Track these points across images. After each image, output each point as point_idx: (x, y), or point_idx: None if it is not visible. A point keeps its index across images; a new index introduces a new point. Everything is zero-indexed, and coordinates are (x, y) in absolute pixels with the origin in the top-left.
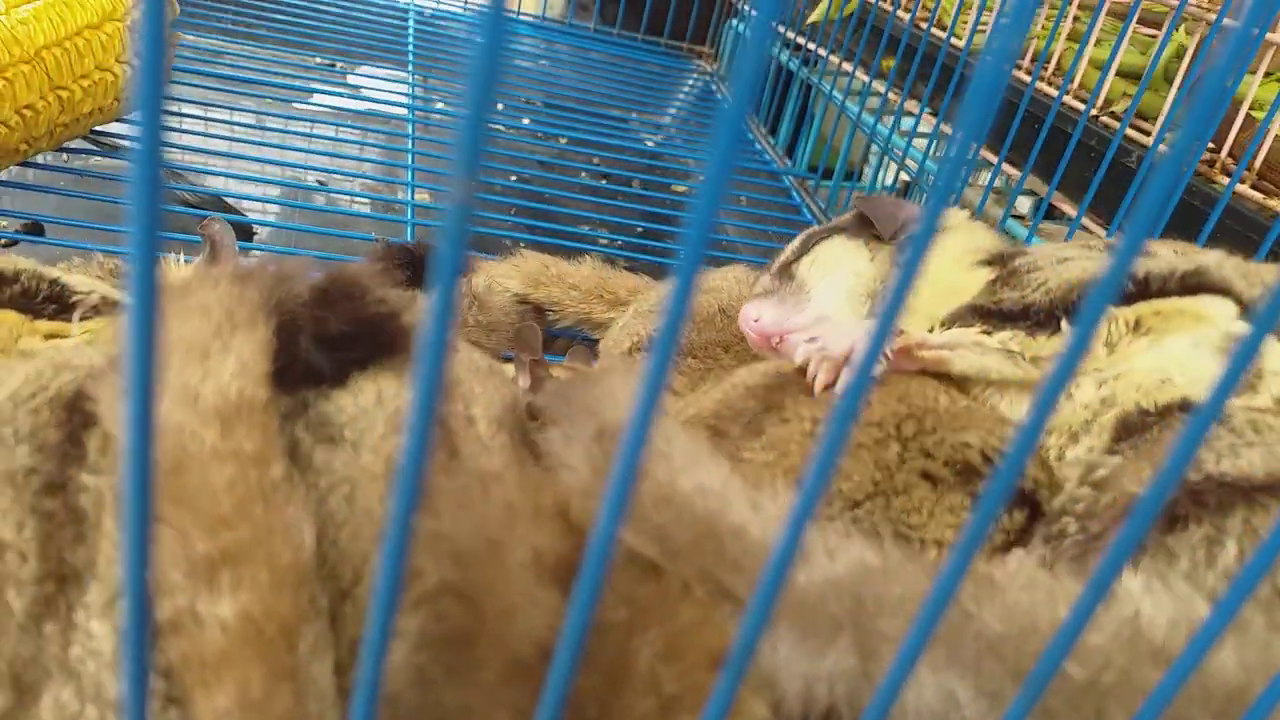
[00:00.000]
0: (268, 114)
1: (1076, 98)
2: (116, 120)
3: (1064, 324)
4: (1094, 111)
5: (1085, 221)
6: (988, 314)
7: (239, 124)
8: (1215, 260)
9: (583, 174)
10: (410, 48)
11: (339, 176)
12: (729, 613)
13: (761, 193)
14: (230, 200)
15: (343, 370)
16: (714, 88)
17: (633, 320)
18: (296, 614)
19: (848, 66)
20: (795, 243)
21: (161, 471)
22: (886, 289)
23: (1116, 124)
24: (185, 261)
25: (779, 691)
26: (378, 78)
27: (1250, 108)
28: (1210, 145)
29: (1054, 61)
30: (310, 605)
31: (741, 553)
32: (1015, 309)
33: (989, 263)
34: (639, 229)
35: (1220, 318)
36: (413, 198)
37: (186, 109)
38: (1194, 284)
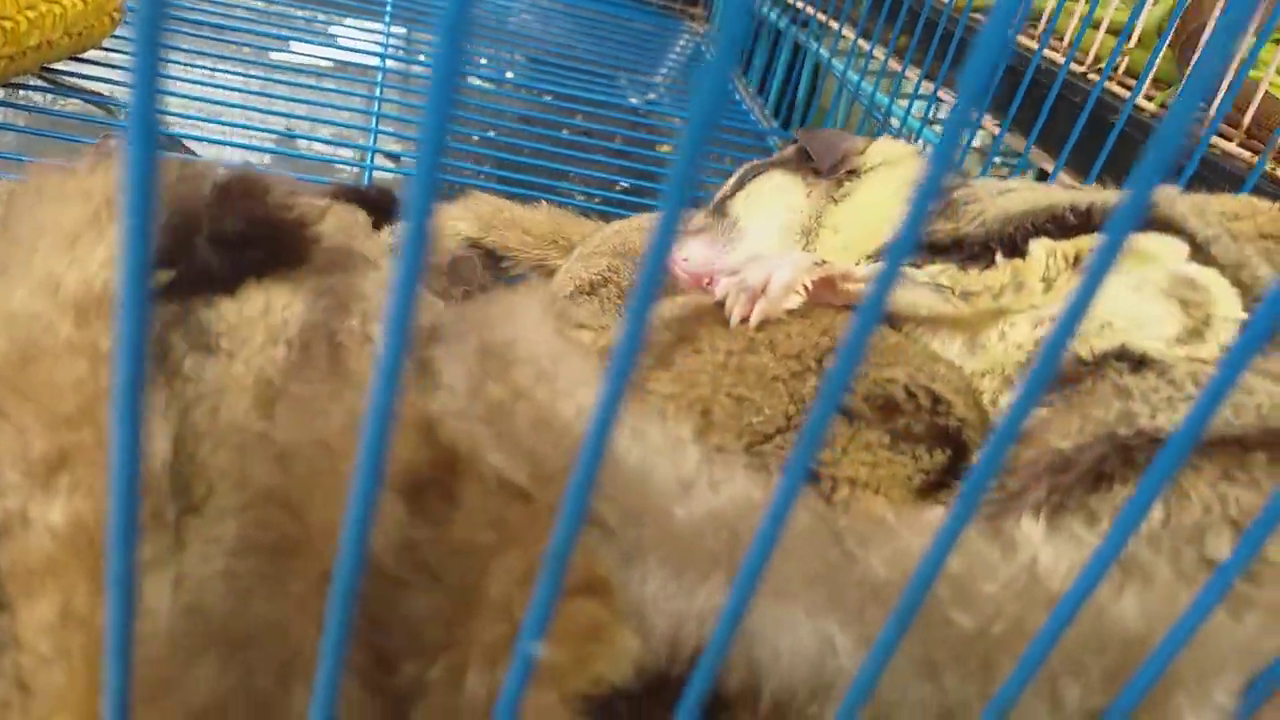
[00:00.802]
0: (231, 59)
1: (1078, 62)
2: (69, 57)
3: (998, 257)
4: (1083, 69)
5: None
6: (918, 246)
7: (201, 67)
8: (1168, 196)
9: (565, 130)
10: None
11: (304, 123)
12: (598, 541)
13: (746, 153)
14: (188, 143)
15: (237, 275)
16: (704, 49)
17: (576, 263)
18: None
19: (847, 32)
20: (733, 178)
21: (9, 362)
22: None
23: (1114, 85)
24: None
25: (647, 627)
26: (357, 29)
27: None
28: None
29: (1043, 19)
30: (152, 518)
31: (615, 480)
32: (947, 241)
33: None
34: (620, 185)
35: (1169, 257)
36: (374, 143)
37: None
38: (1143, 219)
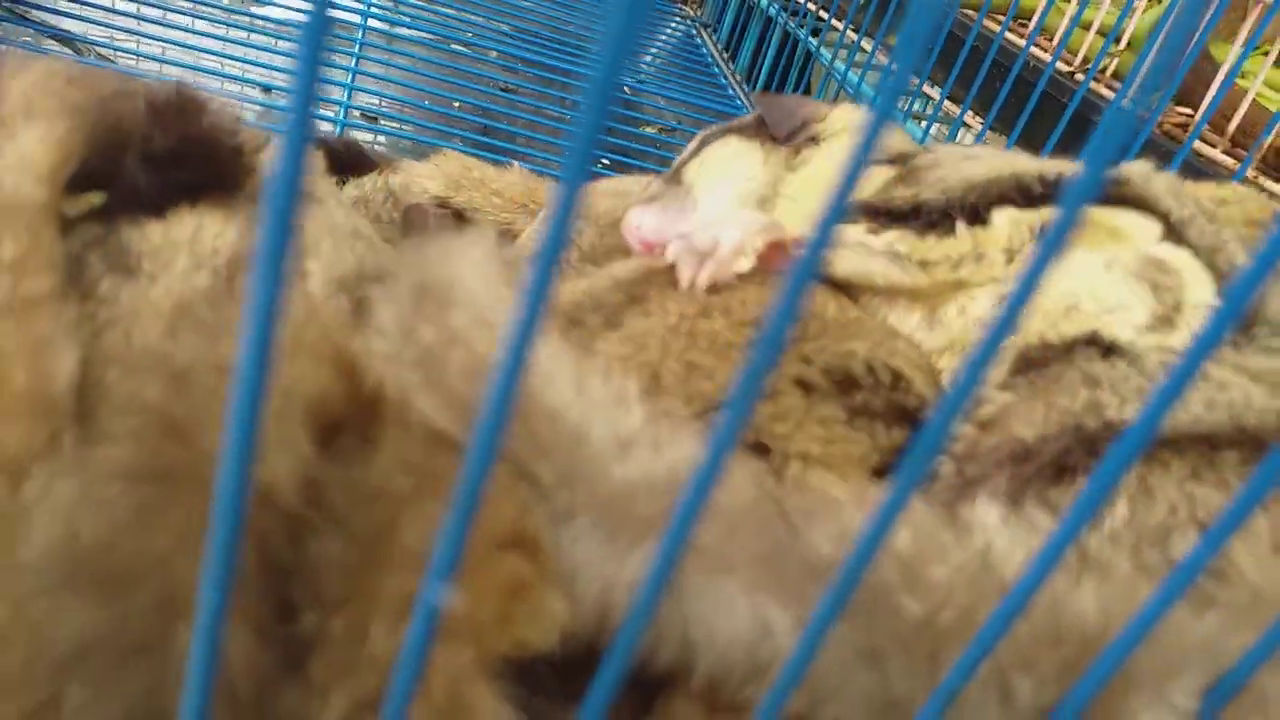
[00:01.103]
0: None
1: (1065, 62)
2: None
3: (959, 225)
4: (1070, 69)
5: None
6: (876, 212)
7: (178, 11)
8: (1142, 173)
9: (548, 100)
10: None
11: (284, 79)
12: (528, 497)
13: None
14: None
15: (168, 196)
16: (695, 33)
17: (539, 225)
18: (26, 448)
19: (837, 23)
20: (692, 144)
21: None
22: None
23: (1101, 87)
24: None
25: (576, 593)
26: None
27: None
28: (1186, 111)
29: None
30: (49, 442)
31: (552, 436)
32: (906, 207)
33: (890, 162)
34: (603, 161)
35: (1140, 236)
36: (348, 99)
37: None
38: (1114, 195)
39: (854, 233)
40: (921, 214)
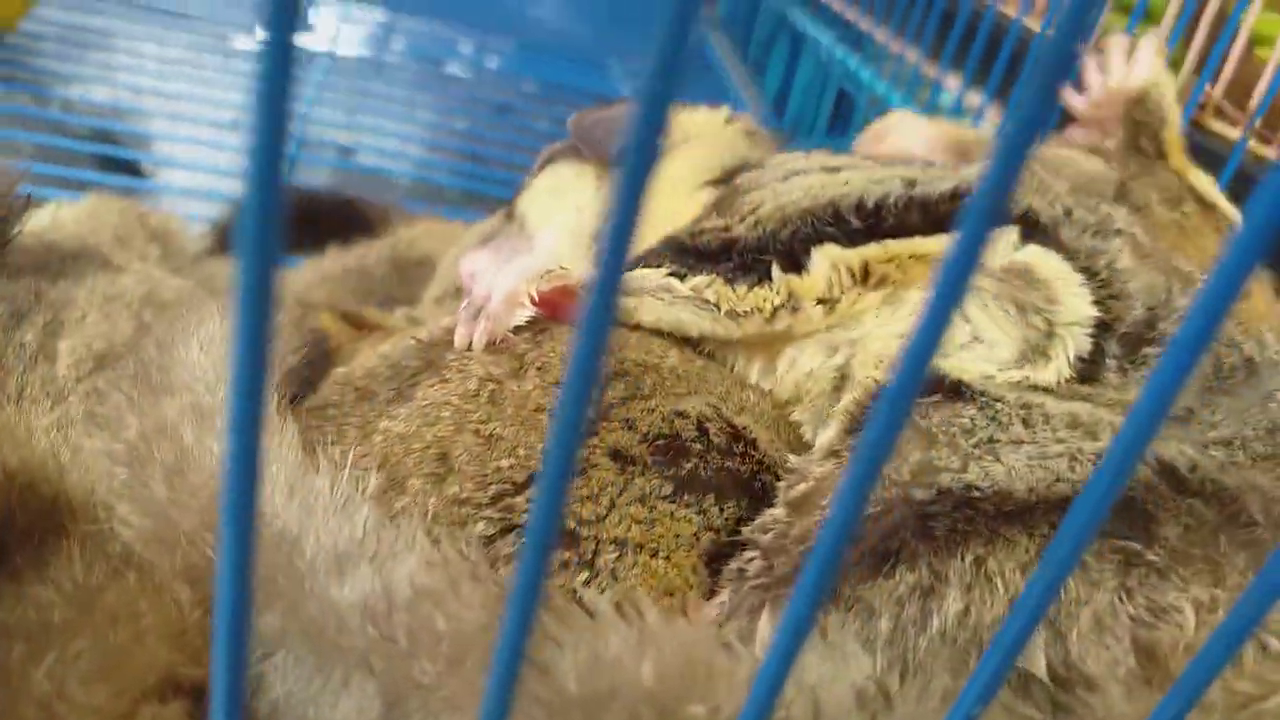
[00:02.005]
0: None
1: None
2: None
3: (774, 269)
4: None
5: None
6: (682, 251)
7: (167, 60)
8: (982, 170)
9: (543, 121)
10: None
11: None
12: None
13: None
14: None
15: None
16: (706, 32)
17: (449, 265)
18: None
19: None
20: (535, 166)
21: None
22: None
23: None
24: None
25: None
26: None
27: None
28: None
29: None
30: None
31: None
32: (715, 245)
33: (720, 181)
34: None
35: (994, 255)
36: (301, 133)
37: (118, 43)
38: (948, 213)
39: (656, 277)
40: (733, 254)
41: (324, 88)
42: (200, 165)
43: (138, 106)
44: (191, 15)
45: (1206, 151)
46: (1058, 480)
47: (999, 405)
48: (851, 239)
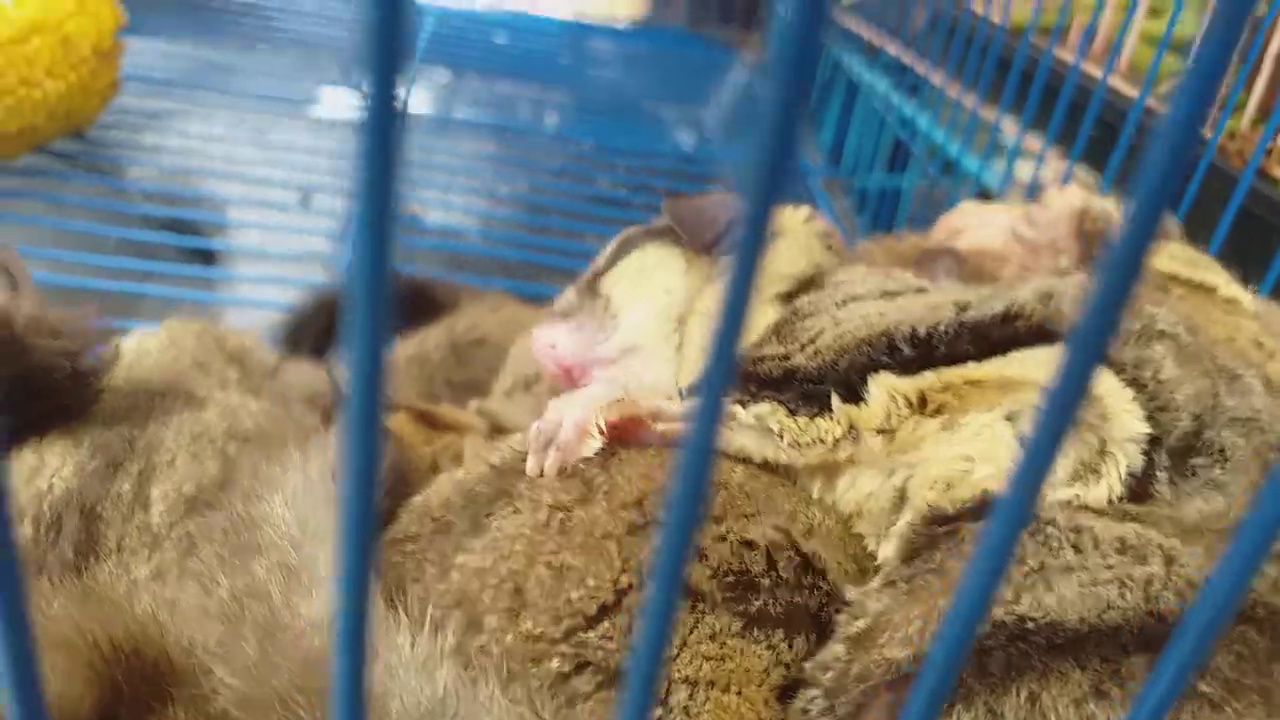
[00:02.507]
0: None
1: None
2: (61, 138)
3: (834, 399)
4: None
5: None
6: (744, 377)
7: (228, 136)
8: (1036, 290)
9: (602, 183)
10: (418, 54)
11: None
12: None
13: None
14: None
15: (10, 438)
16: (756, 81)
17: (518, 356)
18: None
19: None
20: (609, 248)
21: None
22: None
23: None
24: None
25: None
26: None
27: None
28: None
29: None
30: None
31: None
32: (777, 373)
33: (790, 296)
34: None
35: (1044, 371)
36: None
37: (190, 125)
38: (1002, 336)
39: None
40: (793, 382)
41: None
42: (272, 251)
43: (212, 192)
44: (265, 93)
45: (1270, 202)
46: (1108, 608)
47: (1050, 529)
48: (906, 368)
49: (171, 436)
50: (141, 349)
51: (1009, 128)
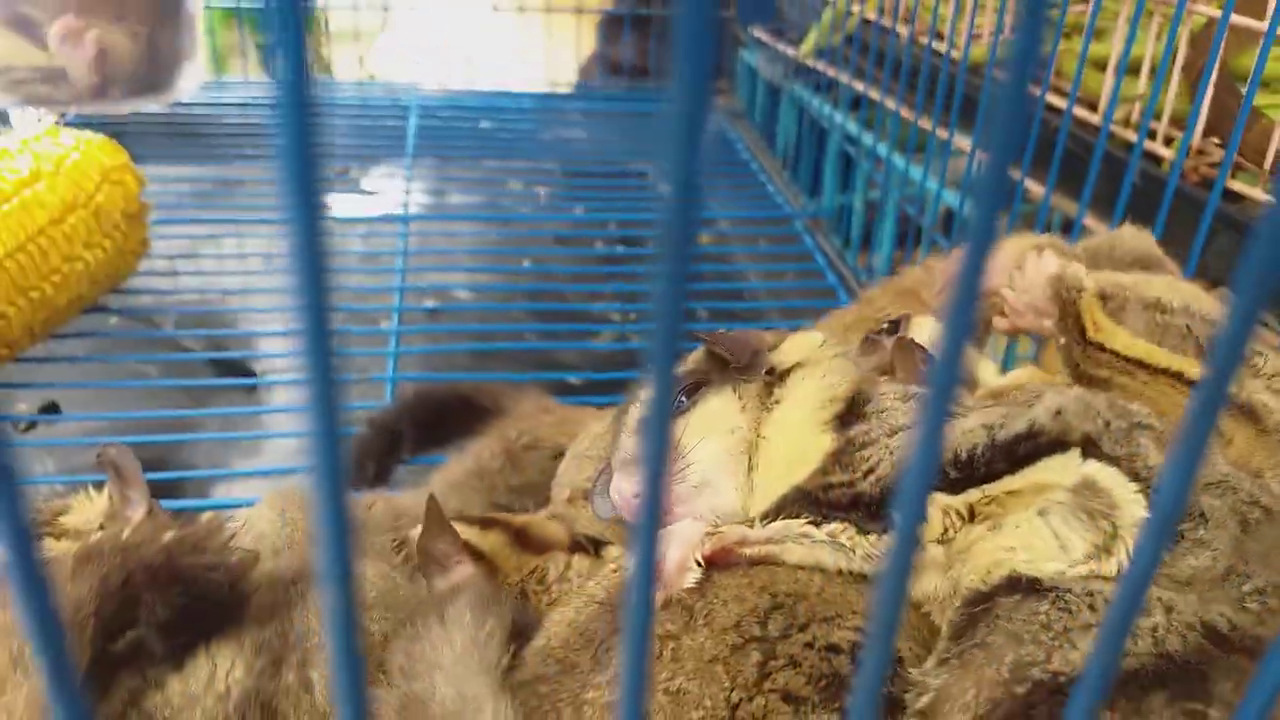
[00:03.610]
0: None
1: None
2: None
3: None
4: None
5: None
6: (816, 502)
7: (250, 254)
8: (1048, 409)
9: (598, 244)
10: (409, 147)
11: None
12: None
13: (778, 243)
14: (244, 353)
15: (182, 649)
16: (726, 126)
17: (570, 465)
18: None
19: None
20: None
21: None
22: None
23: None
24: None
25: None
26: (387, 179)
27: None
28: (1217, 142)
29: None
30: None
31: None
32: (845, 500)
33: (839, 419)
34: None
35: (1065, 473)
36: (397, 324)
37: (201, 247)
38: (1027, 451)
39: (796, 525)
40: (859, 504)
41: (406, 253)
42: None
43: (240, 307)
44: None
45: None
46: (1125, 655)
47: (1069, 596)
48: (954, 486)
49: (314, 620)
50: (257, 532)
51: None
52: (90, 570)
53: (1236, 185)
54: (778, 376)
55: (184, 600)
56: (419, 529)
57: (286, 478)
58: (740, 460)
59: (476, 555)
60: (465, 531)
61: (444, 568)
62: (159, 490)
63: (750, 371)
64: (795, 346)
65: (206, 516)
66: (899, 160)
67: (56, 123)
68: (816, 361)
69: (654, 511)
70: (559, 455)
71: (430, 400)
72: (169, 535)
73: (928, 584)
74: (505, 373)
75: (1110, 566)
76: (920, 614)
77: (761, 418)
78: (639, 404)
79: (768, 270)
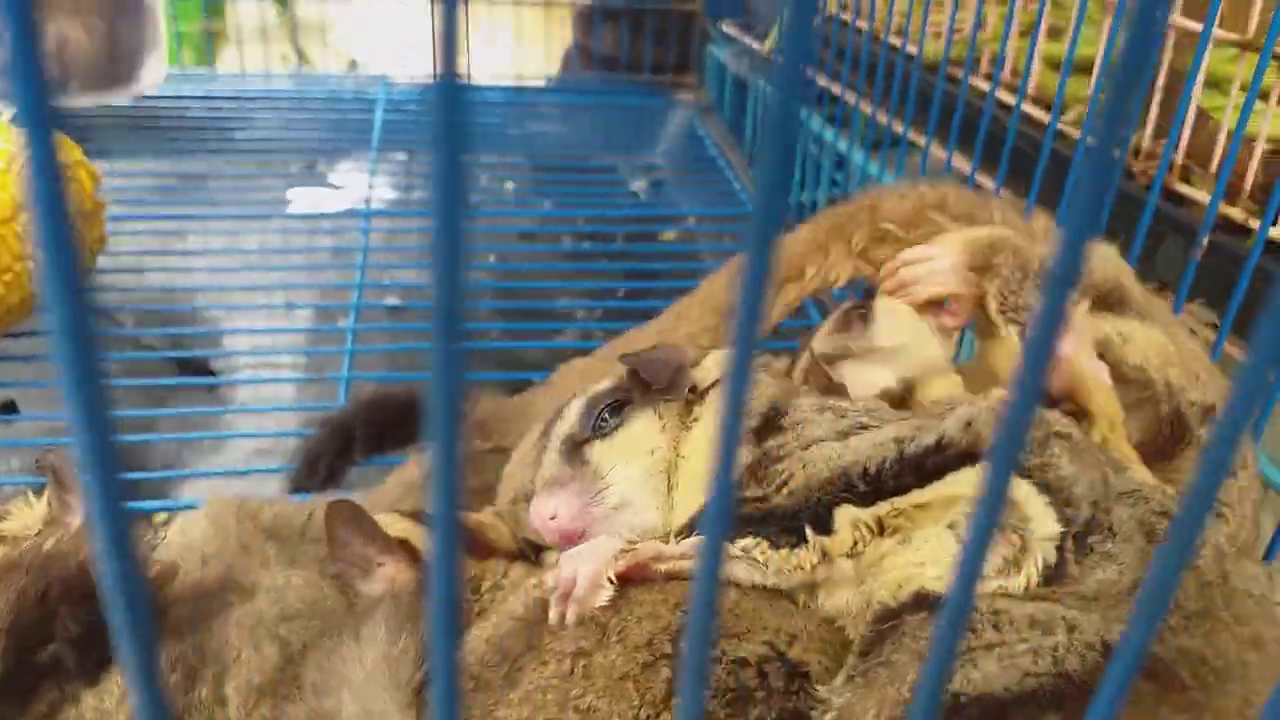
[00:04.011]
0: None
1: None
2: None
3: (808, 533)
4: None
5: None
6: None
7: (214, 251)
8: (958, 420)
9: (565, 239)
10: (374, 140)
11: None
12: None
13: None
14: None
15: (98, 667)
16: (696, 121)
17: (515, 467)
18: None
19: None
20: (575, 411)
21: None
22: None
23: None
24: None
25: None
26: (355, 172)
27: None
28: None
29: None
30: None
31: None
32: (758, 515)
33: (754, 432)
34: (620, 292)
35: (974, 487)
36: (354, 322)
37: (165, 243)
38: (936, 465)
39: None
40: (772, 519)
41: (369, 249)
42: (263, 350)
43: (204, 304)
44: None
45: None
46: (1026, 676)
47: (974, 616)
48: (864, 499)
49: (234, 633)
50: (189, 541)
51: (937, 154)
52: (8, 583)
53: (1186, 190)
54: (699, 395)
55: (97, 615)
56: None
57: (246, 478)
58: (660, 479)
59: (412, 553)
60: (401, 526)
61: (365, 571)
62: (127, 490)
63: (672, 391)
64: (717, 362)
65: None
66: (858, 156)
67: (8, 121)
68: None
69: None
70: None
71: (386, 401)
72: (87, 548)
73: (839, 599)
74: (468, 372)
75: (1018, 581)
76: (834, 628)
77: (681, 436)
78: (564, 419)
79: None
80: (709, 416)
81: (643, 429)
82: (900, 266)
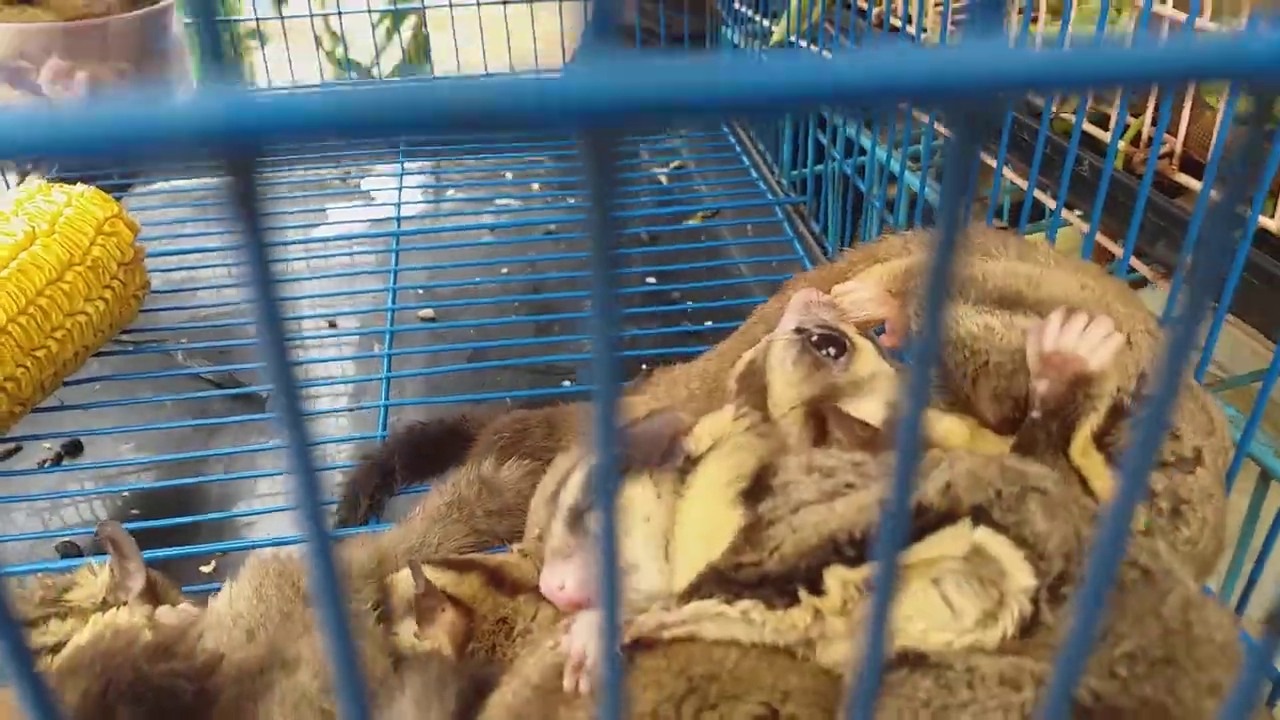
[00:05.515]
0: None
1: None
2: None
3: (801, 594)
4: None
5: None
6: (727, 582)
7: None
8: (936, 486)
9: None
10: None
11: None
12: None
13: (765, 233)
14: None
15: None
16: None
17: (539, 506)
18: None
19: None
20: (577, 481)
21: None
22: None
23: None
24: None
25: None
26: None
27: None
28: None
29: None
30: None
31: None
32: (754, 579)
33: (747, 494)
34: (648, 279)
35: (953, 545)
36: (389, 347)
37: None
38: (918, 526)
39: (711, 605)
40: (767, 584)
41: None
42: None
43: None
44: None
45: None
46: None
47: (950, 673)
48: (853, 562)
49: (278, 712)
50: (236, 613)
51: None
52: (72, 685)
53: (1184, 179)
54: (692, 462)
55: (152, 709)
56: (401, 574)
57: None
58: (659, 546)
59: (454, 601)
60: (442, 577)
61: (431, 621)
62: (184, 531)
63: (666, 463)
64: (709, 429)
65: (181, 611)
66: (865, 140)
67: (48, 180)
68: (726, 438)
69: None
70: (533, 472)
71: (422, 434)
72: (140, 644)
73: (835, 652)
74: (503, 389)
75: (995, 634)
76: (831, 679)
77: (675, 504)
78: (568, 489)
79: (757, 262)
80: (701, 481)
81: (639, 499)
82: (835, 299)
